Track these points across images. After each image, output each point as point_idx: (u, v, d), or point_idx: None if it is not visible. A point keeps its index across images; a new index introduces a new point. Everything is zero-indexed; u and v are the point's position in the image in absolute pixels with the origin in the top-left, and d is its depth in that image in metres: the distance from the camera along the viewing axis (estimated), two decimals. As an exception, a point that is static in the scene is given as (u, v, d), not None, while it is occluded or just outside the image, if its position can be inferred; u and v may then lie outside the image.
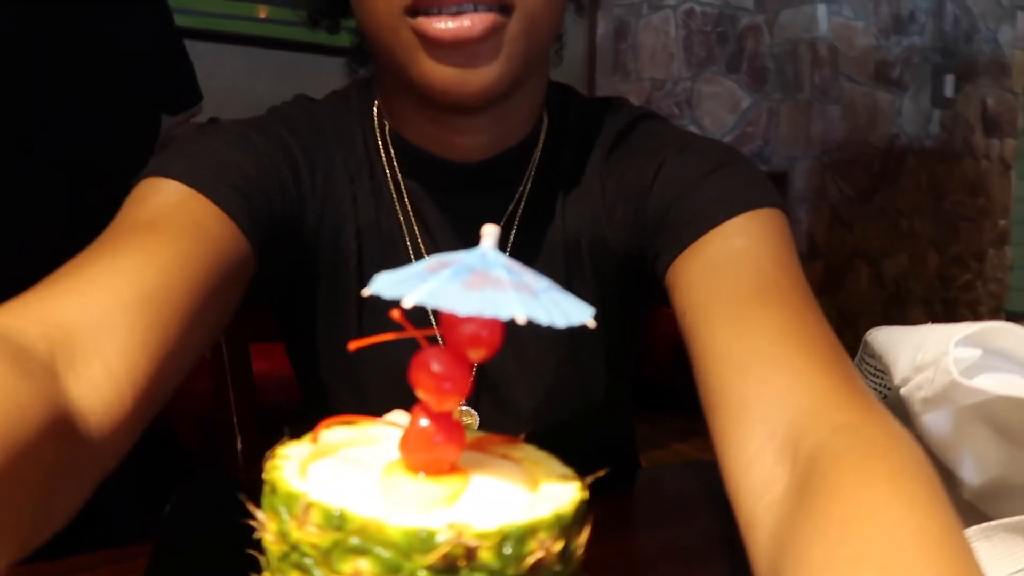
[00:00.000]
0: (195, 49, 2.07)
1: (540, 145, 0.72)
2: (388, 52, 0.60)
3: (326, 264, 0.72)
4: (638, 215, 0.70)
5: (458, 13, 0.55)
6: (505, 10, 0.57)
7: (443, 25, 0.55)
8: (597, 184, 0.72)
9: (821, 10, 3.64)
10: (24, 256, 1.34)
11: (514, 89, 0.63)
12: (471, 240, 0.61)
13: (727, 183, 0.66)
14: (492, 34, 0.56)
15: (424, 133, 0.69)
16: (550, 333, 0.70)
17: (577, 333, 0.67)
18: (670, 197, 0.67)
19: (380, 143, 0.71)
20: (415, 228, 0.71)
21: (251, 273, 0.63)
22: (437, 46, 0.56)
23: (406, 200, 0.71)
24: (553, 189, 0.73)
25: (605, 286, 0.74)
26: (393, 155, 0.71)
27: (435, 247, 0.70)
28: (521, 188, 0.72)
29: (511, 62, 0.59)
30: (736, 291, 0.57)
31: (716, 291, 0.58)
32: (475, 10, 0.55)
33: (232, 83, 3.48)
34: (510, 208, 0.72)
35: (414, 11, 0.56)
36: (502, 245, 0.72)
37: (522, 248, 0.72)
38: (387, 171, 0.71)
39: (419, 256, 0.71)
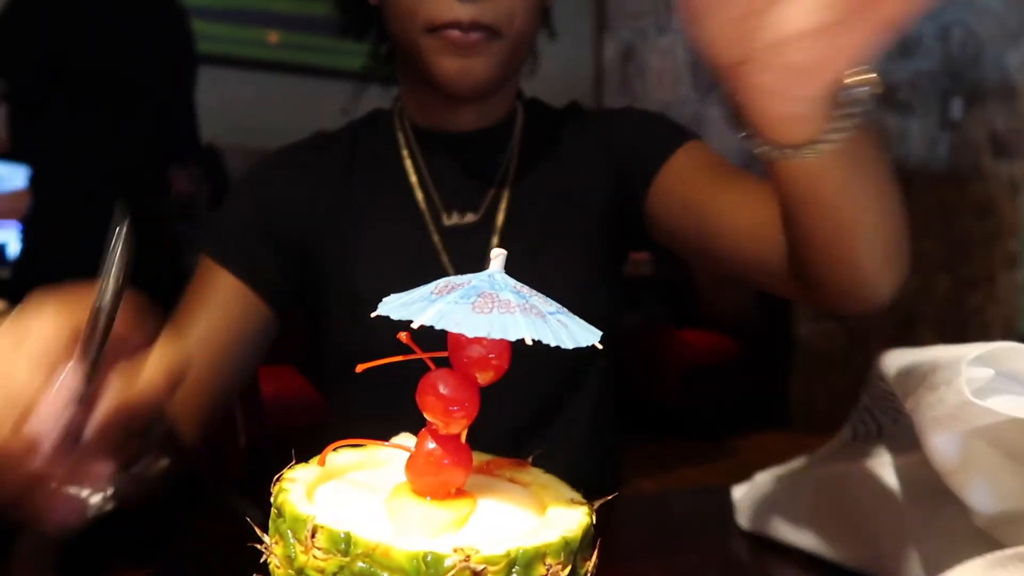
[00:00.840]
0: (206, 74, 2.09)
1: (519, 123, 0.93)
2: (413, 50, 0.81)
3: (333, 236, 0.88)
4: (608, 165, 0.90)
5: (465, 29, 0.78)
6: (494, 33, 0.79)
7: (457, 35, 0.78)
8: (569, 146, 0.93)
9: (828, 34, 3.66)
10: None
11: (498, 86, 0.86)
12: (467, 189, 0.88)
13: (667, 127, 0.91)
14: (484, 47, 0.79)
15: (432, 114, 0.90)
16: None
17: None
18: (630, 146, 0.90)
19: (400, 131, 0.92)
20: (425, 180, 0.90)
21: (268, 317, 0.85)
22: (450, 46, 0.78)
23: (419, 161, 0.91)
24: (535, 154, 0.92)
25: (589, 226, 0.91)
26: (409, 133, 0.92)
27: (441, 194, 0.89)
28: (507, 156, 0.91)
29: (497, 68, 0.82)
30: (715, 176, 0.82)
31: (700, 179, 0.83)
32: (473, 30, 0.78)
33: (243, 107, 3.51)
34: (499, 171, 0.90)
35: (432, 29, 0.78)
36: (496, 202, 0.88)
37: (516, 202, 0.89)
38: (403, 149, 0.91)
39: (423, 184, 0.89)
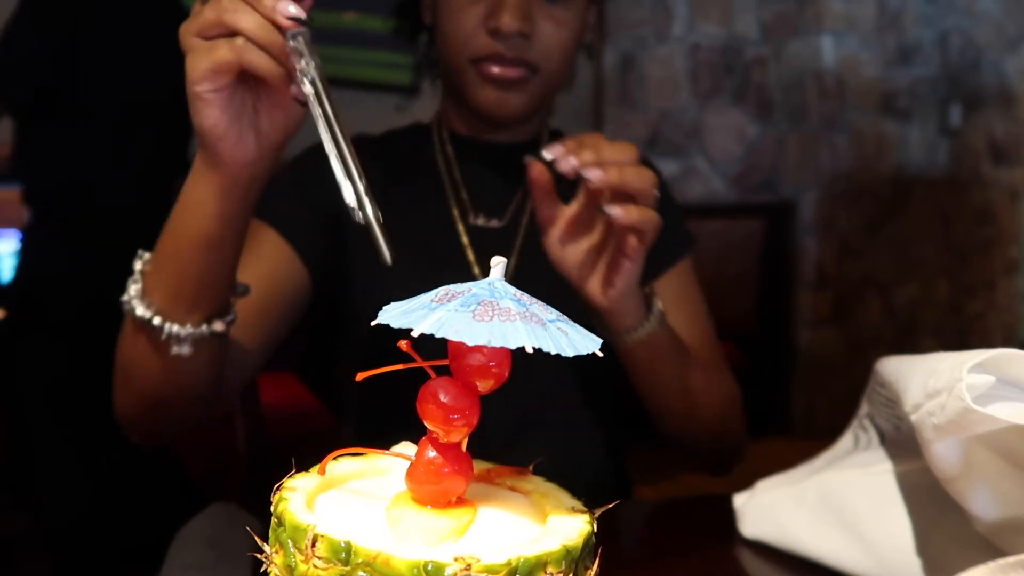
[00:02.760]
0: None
1: (545, 140, 1.00)
2: (458, 77, 0.89)
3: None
4: None
5: (507, 65, 0.86)
6: (533, 70, 0.87)
7: (498, 70, 0.86)
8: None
9: (827, 42, 3.66)
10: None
11: (532, 116, 0.94)
12: (495, 196, 0.95)
13: (679, 228, 1.00)
14: (523, 82, 0.87)
15: (469, 127, 0.97)
16: None
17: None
18: None
19: (438, 139, 0.99)
20: (457, 184, 0.96)
21: (307, 283, 0.90)
22: (491, 79, 0.87)
23: (453, 167, 0.97)
24: (557, 172, 0.99)
25: None
26: (447, 141, 0.98)
27: (471, 198, 0.96)
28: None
29: (532, 101, 0.90)
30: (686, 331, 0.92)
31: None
32: (514, 65, 0.86)
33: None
34: (525, 183, 0.93)
35: (476, 60, 0.86)
36: (520, 211, 0.95)
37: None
38: (439, 155, 0.98)
39: (455, 187, 0.96)
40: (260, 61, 0.58)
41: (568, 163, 0.70)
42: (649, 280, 0.90)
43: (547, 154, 0.72)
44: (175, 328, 0.68)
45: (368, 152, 0.95)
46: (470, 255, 0.91)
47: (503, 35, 0.84)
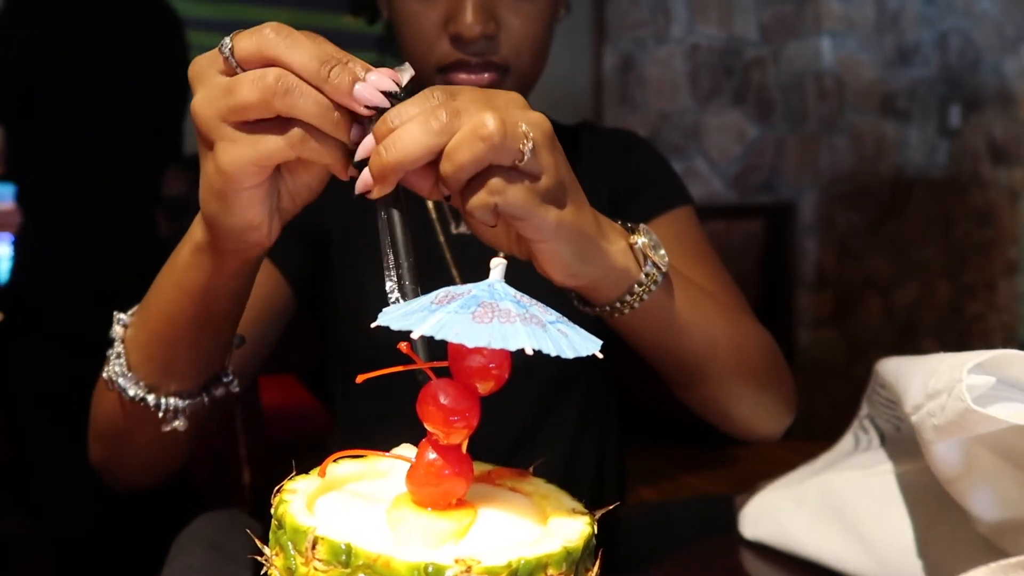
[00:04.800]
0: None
1: None
2: (426, 83, 0.83)
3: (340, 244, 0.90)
4: (612, 188, 0.92)
5: (476, 72, 0.78)
6: (503, 71, 0.80)
7: (466, 78, 0.78)
8: (576, 162, 0.95)
9: (826, 43, 3.66)
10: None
11: None
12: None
13: (668, 182, 0.93)
14: (495, 87, 0.76)
15: None
16: None
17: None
18: (630, 184, 0.92)
19: None
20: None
21: (290, 302, 0.85)
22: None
23: None
24: None
25: None
26: None
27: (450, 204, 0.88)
28: None
29: None
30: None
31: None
32: (484, 70, 0.78)
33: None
34: None
35: (444, 69, 0.79)
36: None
37: None
38: None
39: (439, 208, 0.89)
40: (327, 158, 0.46)
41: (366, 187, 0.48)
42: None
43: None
44: (170, 402, 0.61)
45: None
46: (451, 265, 0.87)
47: (466, 41, 0.76)
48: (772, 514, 0.72)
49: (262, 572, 0.36)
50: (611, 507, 0.39)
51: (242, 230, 0.50)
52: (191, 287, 0.57)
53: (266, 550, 0.36)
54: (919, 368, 0.57)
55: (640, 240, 0.59)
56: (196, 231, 0.55)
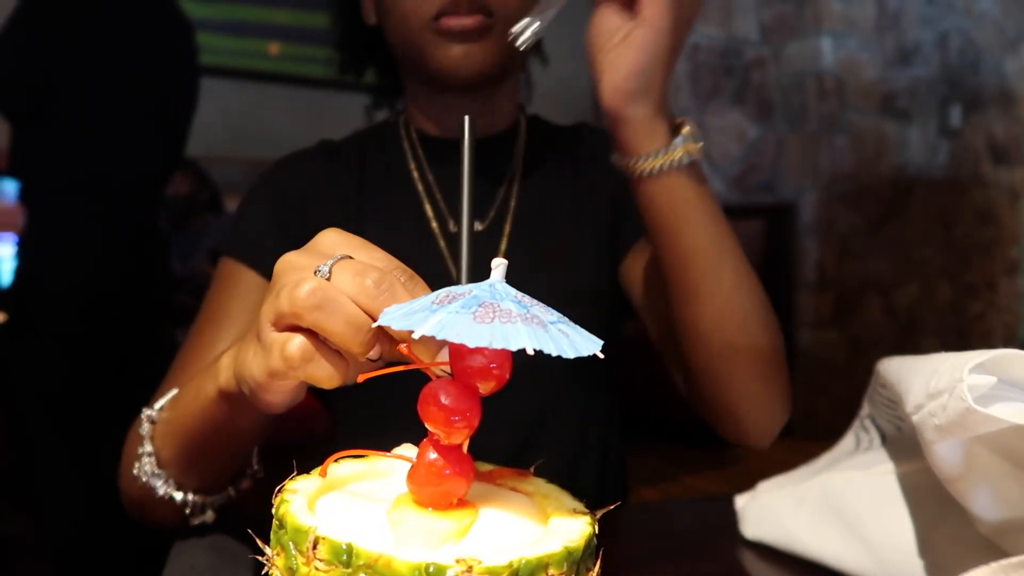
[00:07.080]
0: (208, 85, 2.10)
1: (522, 134, 0.95)
2: (417, 48, 0.85)
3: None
4: (609, 189, 0.92)
5: (464, 14, 0.82)
6: (489, 14, 0.83)
7: (456, 21, 0.81)
8: (575, 160, 0.95)
9: (826, 43, 3.67)
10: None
11: (497, 78, 0.88)
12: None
13: None
14: (484, 29, 0.82)
15: (436, 122, 0.93)
16: None
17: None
18: (622, 201, 0.90)
19: (407, 141, 0.94)
20: (432, 189, 0.92)
21: None
22: (451, 36, 0.82)
23: (426, 170, 0.93)
24: (540, 166, 0.94)
25: (593, 237, 0.92)
26: (416, 143, 0.94)
27: (447, 203, 0.91)
28: (512, 167, 0.93)
29: (497, 50, 0.84)
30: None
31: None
32: (473, 13, 0.82)
33: (244, 118, 3.52)
34: (505, 182, 0.92)
35: (438, 16, 0.82)
36: (502, 212, 0.90)
37: (521, 212, 0.91)
38: (410, 159, 0.93)
39: (429, 193, 0.91)
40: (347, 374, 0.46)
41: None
42: (626, 250, 0.89)
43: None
44: (198, 499, 0.67)
45: (337, 161, 0.93)
46: (450, 265, 0.88)
47: None
48: (773, 514, 0.72)
49: (263, 572, 0.36)
50: (612, 507, 0.39)
51: (268, 404, 0.50)
52: (214, 420, 0.60)
53: (267, 550, 0.36)
54: (920, 368, 0.57)
55: (688, 125, 0.67)
56: (222, 376, 0.55)
